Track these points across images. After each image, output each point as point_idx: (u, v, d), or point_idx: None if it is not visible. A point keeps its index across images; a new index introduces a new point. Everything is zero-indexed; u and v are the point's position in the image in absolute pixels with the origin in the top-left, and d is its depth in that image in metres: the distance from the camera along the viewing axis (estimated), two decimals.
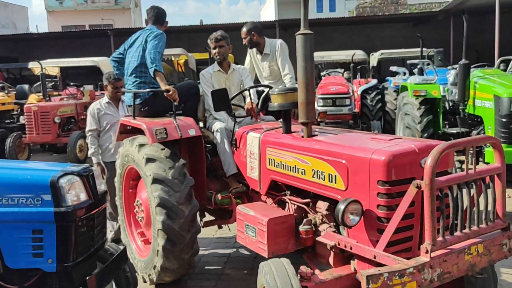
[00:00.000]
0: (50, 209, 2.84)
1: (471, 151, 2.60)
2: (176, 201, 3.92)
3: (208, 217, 4.87)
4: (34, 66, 13.63)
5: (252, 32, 5.03)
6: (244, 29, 5.05)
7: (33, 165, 3.37)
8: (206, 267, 4.81)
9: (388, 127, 10.87)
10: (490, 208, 2.78)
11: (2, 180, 2.88)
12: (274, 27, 19.44)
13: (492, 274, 3.22)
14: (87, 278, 2.88)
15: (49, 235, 2.85)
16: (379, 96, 11.39)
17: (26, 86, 13.38)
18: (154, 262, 4.10)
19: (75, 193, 2.97)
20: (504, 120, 5.47)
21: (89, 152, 5.60)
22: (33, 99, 12.09)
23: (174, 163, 4.05)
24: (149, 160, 4.05)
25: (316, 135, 3.53)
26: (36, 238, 2.86)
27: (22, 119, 11.36)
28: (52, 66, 13.67)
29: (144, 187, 4.27)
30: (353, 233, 3.00)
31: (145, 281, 4.29)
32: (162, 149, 4.09)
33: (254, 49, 5.21)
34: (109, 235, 5.57)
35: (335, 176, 3.08)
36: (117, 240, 5.29)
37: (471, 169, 2.62)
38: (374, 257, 2.71)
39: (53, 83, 14.10)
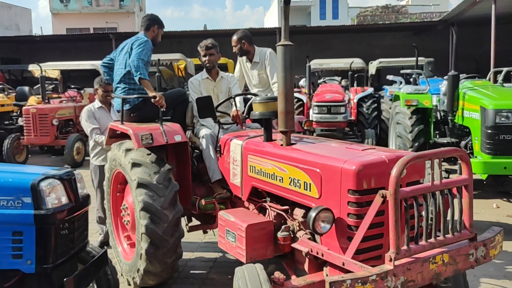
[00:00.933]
0: (30, 212, 2.92)
1: (437, 163, 2.67)
2: (160, 206, 3.99)
3: (195, 222, 4.95)
4: (34, 69, 13.77)
5: (243, 41, 5.13)
6: (234, 37, 5.15)
7: (15, 169, 3.45)
8: (191, 271, 4.88)
9: (384, 135, 10.93)
10: (457, 218, 2.84)
11: None
12: (275, 33, 19.52)
13: (464, 283, 3.29)
14: (65, 280, 2.96)
15: (29, 237, 2.93)
16: (375, 105, 11.44)
17: (26, 88, 13.50)
18: (137, 265, 4.17)
19: (55, 196, 3.05)
20: (489, 131, 5.53)
21: (101, 141, 5.37)
22: (32, 101, 12.22)
23: (159, 168, 4.12)
24: (134, 164, 4.13)
25: (295, 143, 3.61)
26: (16, 240, 2.94)
27: (21, 121, 11.46)
28: (52, 69, 13.80)
29: (130, 191, 4.35)
30: (325, 240, 3.07)
31: (129, 284, 4.37)
32: (148, 154, 4.17)
33: (244, 57, 5.31)
34: (99, 238, 5.65)
35: (310, 184, 3.16)
36: (106, 243, 5.36)
37: (437, 180, 2.69)
38: (343, 264, 2.79)
39: (53, 85, 14.23)
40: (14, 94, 13.69)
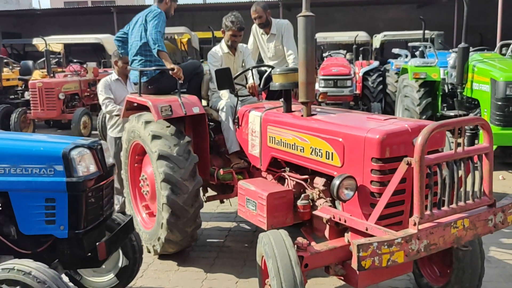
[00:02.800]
0: (62, 179, 3.00)
1: (460, 131, 2.74)
2: (181, 177, 4.09)
3: (211, 193, 5.06)
4: (39, 43, 13.72)
5: (268, 10, 5.12)
6: (259, 8, 5.05)
7: (46, 138, 3.52)
8: (207, 240, 5.01)
9: (389, 109, 10.98)
10: (477, 185, 2.93)
11: (16, 151, 3.05)
12: (278, 6, 19.34)
13: (480, 251, 3.39)
14: (97, 244, 3.08)
15: (61, 204, 3.02)
16: (381, 78, 11.48)
17: (30, 62, 13.47)
18: (158, 234, 4.29)
19: (85, 165, 3.13)
20: (499, 103, 5.60)
21: (115, 112, 5.48)
22: (37, 75, 12.23)
23: (179, 140, 4.20)
24: (155, 137, 4.21)
25: (315, 114, 3.68)
26: (48, 206, 3.03)
27: (27, 95, 11.49)
28: (56, 42, 13.76)
29: (149, 162, 4.44)
30: (347, 207, 3.17)
31: (149, 252, 4.49)
32: (167, 127, 4.24)
33: (260, 29, 5.28)
34: (116, 208, 5.77)
35: (332, 153, 3.24)
36: (122, 213, 5.48)
37: (460, 148, 2.77)
38: (366, 229, 2.89)
39: (56, 59, 14.19)
40: (18, 68, 13.66)
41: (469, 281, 3.36)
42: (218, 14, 20.83)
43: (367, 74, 11.51)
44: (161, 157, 4.11)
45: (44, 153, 3.04)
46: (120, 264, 3.72)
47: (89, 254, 3.21)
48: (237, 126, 4.43)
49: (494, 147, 5.65)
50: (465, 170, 2.82)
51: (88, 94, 12.22)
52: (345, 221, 3.10)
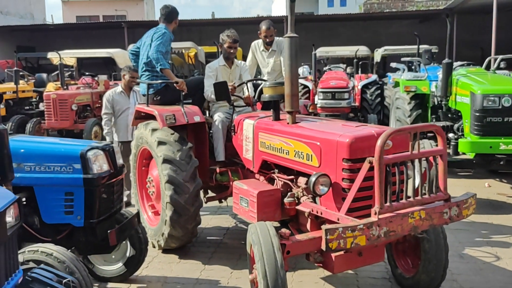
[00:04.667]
0: (79, 176, 3.55)
1: (415, 136, 3.21)
2: (183, 179, 4.58)
3: (211, 194, 5.54)
4: (53, 56, 14.37)
5: (275, 30, 5.67)
6: (270, 28, 5.66)
7: (66, 141, 4.06)
8: (207, 237, 5.49)
9: (386, 121, 11.43)
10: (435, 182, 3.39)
11: (41, 152, 3.60)
12: (282, 21, 19.95)
13: (444, 245, 3.82)
14: (109, 231, 3.59)
15: (79, 197, 3.56)
16: (379, 91, 11.94)
17: (44, 75, 14.14)
18: (162, 230, 4.79)
19: (99, 164, 3.67)
20: (477, 114, 6.06)
21: (104, 132, 6.50)
22: (51, 88, 12.84)
23: (181, 146, 4.69)
24: (160, 143, 4.71)
25: (299, 122, 4.16)
26: (67, 199, 3.57)
27: (41, 106, 12.08)
28: (69, 56, 14.40)
29: (155, 165, 4.95)
30: (324, 202, 3.64)
31: (154, 247, 4.96)
32: (172, 134, 4.75)
33: (261, 45, 5.82)
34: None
35: (311, 155, 3.71)
36: (128, 203, 6.12)
37: (416, 150, 3.24)
38: (338, 219, 3.36)
39: (69, 72, 14.84)
40: (33, 80, 14.31)
41: (434, 271, 3.81)
42: (224, 29, 21.45)
43: (365, 87, 11.98)
44: (165, 161, 4.61)
45: (65, 154, 3.59)
46: (128, 254, 4.22)
47: (102, 241, 3.73)
48: (233, 133, 4.92)
49: (472, 155, 6.14)
50: (420, 169, 3.27)
51: (99, 105, 12.74)
52: (321, 214, 3.59)
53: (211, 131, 5.23)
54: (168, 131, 4.77)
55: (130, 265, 4.24)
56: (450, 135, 6.72)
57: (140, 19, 32.42)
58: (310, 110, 5.62)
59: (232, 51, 5.32)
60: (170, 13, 5.37)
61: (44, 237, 3.59)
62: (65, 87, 12.33)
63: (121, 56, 14.48)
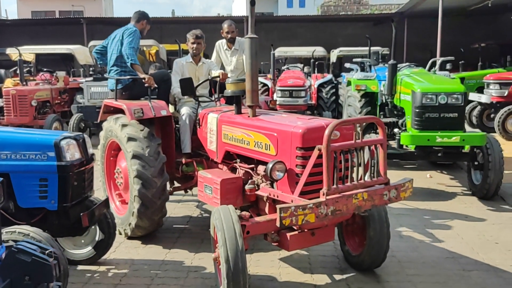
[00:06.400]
0: (53, 163, 3.81)
1: (359, 127, 3.66)
2: (151, 174, 4.84)
3: (177, 185, 5.82)
4: (12, 52, 14.21)
5: (237, 29, 6.04)
6: (232, 25, 6.05)
7: (40, 131, 4.31)
8: (172, 225, 5.78)
9: (340, 117, 12.03)
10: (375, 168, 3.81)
11: (17, 141, 3.84)
12: (243, 21, 20.35)
13: (386, 233, 4.25)
14: (81, 214, 3.87)
15: (52, 182, 3.82)
16: (334, 90, 12.55)
17: (2, 71, 13.95)
18: (129, 220, 5.05)
19: (71, 152, 3.94)
20: (417, 110, 6.67)
21: None
22: (9, 83, 12.75)
23: (150, 142, 4.95)
24: (130, 139, 4.94)
25: (259, 115, 4.51)
26: (42, 185, 3.83)
27: (1, 102, 11.96)
28: (29, 52, 14.27)
29: (123, 157, 5.21)
30: (280, 186, 3.99)
31: (120, 234, 5.21)
32: (141, 130, 4.99)
33: (223, 45, 6.19)
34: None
35: (269, 145, 4.07)
36: None
37: (358, 139, 3.68)
38: (292, 201, 3.70)
39: (27, 68, 14.68)
40: None
41: (377, 255, 4.30)
42: (185, 27, 21.67)
43: (321, 86, 12.55)
44: (134, 156, 4.86)
45: (39, 142, 3.84)
46: (97, 238, 4.49)
47: (74, 224, 4.00)
48: (198, 126, 5.21)
49: (413, 147, 6.74)
50: (363, 156, 3.70)
51: (59, 101, 12.80)
52: (277, 197, 3.95)
53: (177, 125, 5.51)
54: (138, 127, 5.00)
55: (99, 248, 4.50)
56: (395, 130, 7.29)
57: (97, 15, 31.94)
58: (271, 106, 6.02)
59: (195, 46, 5.66)
60: (139, 15, 5.78)
61: (18, 221, 3.80)
62: (24, 83, 12.26)
63: (81, 52, 14.50)
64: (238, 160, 4.61)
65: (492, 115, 11.88)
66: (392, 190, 3.84)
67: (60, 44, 16.12)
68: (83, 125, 11.52)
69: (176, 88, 5.47)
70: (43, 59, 17.85)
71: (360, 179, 3.75)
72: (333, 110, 12.38)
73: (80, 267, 4.51)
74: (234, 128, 4.55)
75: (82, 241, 4.55)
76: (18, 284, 2.67)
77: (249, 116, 4.48)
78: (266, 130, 4.14)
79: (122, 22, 22.66)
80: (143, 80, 5.27)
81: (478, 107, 12.65)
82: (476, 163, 6.82)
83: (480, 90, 13.14)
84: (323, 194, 3.52)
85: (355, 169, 3.72)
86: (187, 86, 5.05)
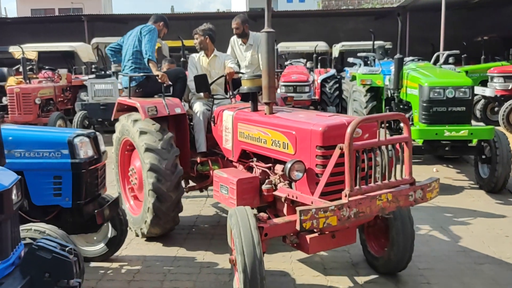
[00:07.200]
0: (67, 161, 3.75)
1: (382, 124, 3.49)
2: (164, 167, 4.72)
3: (192, 184, 5.71)
4: (15, 50, 14.14)
5: (246, 24, 5.91)
6: (238, 20, 5.84)
7: (54, 129, 4.26)
8: (181, 222, 5.62)
9: (344, 112, 11.98)
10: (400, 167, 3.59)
11: (31, 139, 3.78)
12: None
13: (409, 218, 4.07)
14: (96, 211, 3.83)
15: (66, 180, 3.76)
16: (337, 85, 12.50)
17: (5, 69, 13.86)
18: (145, 218, 4.90)
19: (85, 150, 3.88)
20: (425, 104, 6.62)
21: None
22: (12, 82, 12.64)
23: (163, 135, 4.84)
24: (142, 132, 4.85)
25: (276, 112, 4.34)
26: (56, 182, 3.76)
27: (4, 100, 11.88)
28: (31, 50, 14.19)
29: (137, 156, 5.10)
30: (299, 187, 3.81)
31: (137, 235, 5.11)
32: (153, 124, 4.88)
33: (238, 40, 6.02)
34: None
35: (287, 143, 3.89)
36: None
37: (382, 137, 3.48)
38: (312, 203, 3.51)
39: (30, 66, 14.60)
40: None
41: (401, 257, 4.08)
42: (186, 23, 21.60)
43: (324, 81, 12.49)
44: (147, 149, 4.76)
45: (53, 140, 3.79)
46: (109, 235, 4.44)
47: (88, 221, 3.95)
48: (213, 124, 5.06)
49: (421, 141, 6.70)
50: (388, 155, 3.48)
51: (62, 99, 12.73)
52: (296, 198, 3.75)
53: (191, 123, 5.37)
54: (149, 121, 4.89)
55: (111, 245, 4.46)
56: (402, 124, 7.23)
57: (96, 12, 31.88)
58: (287, 103, 5.94)
59: (196, 41, 5.65)
60: (157, 16, 5.76)
61: (33, 218, 3.72)
62: (27, 81, 12.19)
63: (84, 50, 14.42)
64: (254, 159, 4.42)
65: (496, 109, 11.82)
66: (418, 191, 3.63)
67: (61, 42, 16.04)
68: (87, 123, 11.43)
69: (192, 83, 5.41)
70: (44, 57, 17.77)
71: (384, 179, 3.55)
72: (336, 105, 12.34)
73: (93, 264, 4.46)
74: (250, 126, 4.38)
75: (95, 238, 4.51)
76: (38, 281, 2.63)
77: (265, 114, 4.32)
78: (284, 128, 3.97)
79: (123, 19, 22.72)
80: (157, 77, 5.20)
81: (482, 101, 12.58)
82: (483, 156, 6.77)
83: (483, 83, 13.05)
84: (345, 196, 3.32)
85: (378, 168, 3.54)
86: (202, 82, 4.97)
